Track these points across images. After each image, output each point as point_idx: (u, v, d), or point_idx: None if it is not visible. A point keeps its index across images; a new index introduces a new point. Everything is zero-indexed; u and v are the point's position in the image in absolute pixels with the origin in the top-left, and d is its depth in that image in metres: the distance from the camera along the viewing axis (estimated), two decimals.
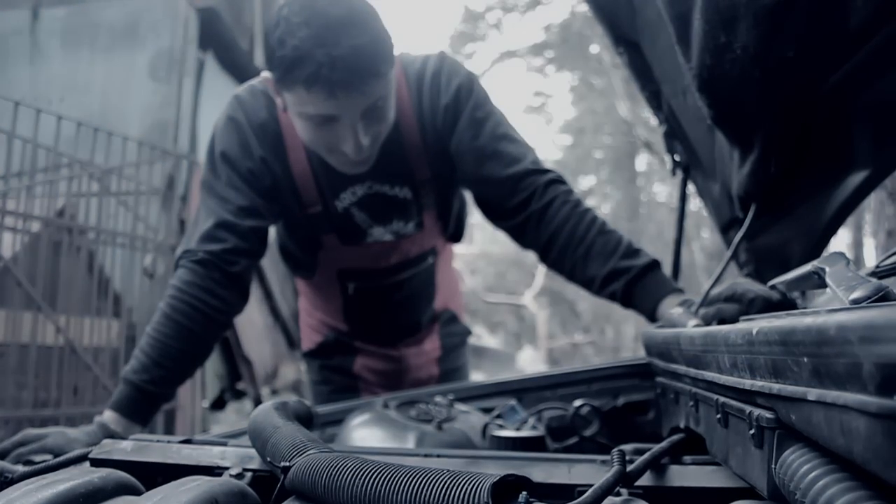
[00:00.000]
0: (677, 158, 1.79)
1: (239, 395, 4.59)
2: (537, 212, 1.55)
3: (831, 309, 0.49)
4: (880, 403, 0.36)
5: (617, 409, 1.51)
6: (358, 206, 1.64)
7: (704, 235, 15.29)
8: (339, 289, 1.84)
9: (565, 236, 1.52)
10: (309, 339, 2.04)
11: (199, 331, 1.41)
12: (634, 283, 1.45)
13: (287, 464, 0.63)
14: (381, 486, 0.53)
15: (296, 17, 1.28)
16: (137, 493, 0.74)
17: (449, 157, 1.62)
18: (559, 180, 1.59)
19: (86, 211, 3.94)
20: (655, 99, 1.73)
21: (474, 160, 1.59)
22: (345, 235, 1.70)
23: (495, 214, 1.67)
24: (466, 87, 1.60)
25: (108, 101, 4.80)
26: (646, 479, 0.75)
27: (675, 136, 1.74)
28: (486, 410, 1.38)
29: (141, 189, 4.25)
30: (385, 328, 1.93)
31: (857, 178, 1.44)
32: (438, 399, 1.36)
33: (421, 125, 1.59)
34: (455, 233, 1.91)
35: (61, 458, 0.89)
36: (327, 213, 1.64)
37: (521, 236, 1.65)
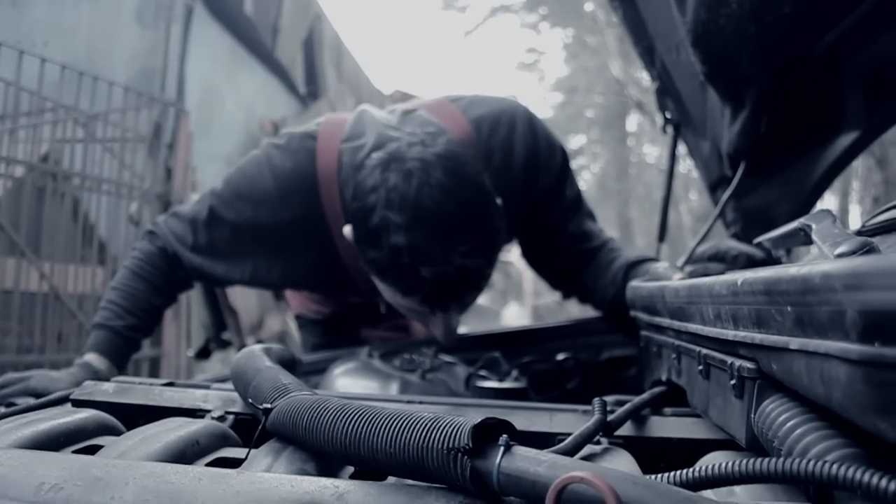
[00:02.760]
0: (668, 116, 1.78)
1: (224, 344, 4.60)
2: (594, 275, 1.52)
3: (817, 260, 0.49)
4: (862, 350, 0.36)
5: (600, 363, 1.53)
6: None
7: (692, 197, 15.31)
8: (368, 306, 1.80)
9: (603, 276, 1.51)
10: (307, 308, 2.00)
11: (164, 288, 1.46)
12: (632, 266, 1.42)
13: (269, 405, 0.63)
14: (363, 428, 0.53)
15: (395, 214, 1.12)
16: (119, 433, 0.74)
17: (516, 224, 1.53)
18: (612, 240, 1.57)
19: (70, 157, 3.88)
20: (648, 55, 1.71)
21: (560, 238, 1.53)
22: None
23: (551, 274, 1.65)
24: (565, 164, 1.51)
25: (93, 45, 4.70)
26: (626, 430, 0.76)
27: (666, 92, 1.73)
28: (470, 362, 1.38)
29: (127, 136, 4.19)
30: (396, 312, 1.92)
31: (846, 140, 1.44)
32: (423, 350, 1.36)
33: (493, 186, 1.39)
34: None
35: (43, 400, 0.89)
36: None
37: (565, 287, 1.65)
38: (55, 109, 3.74)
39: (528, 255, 1.63)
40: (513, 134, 1.42)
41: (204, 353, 4.69)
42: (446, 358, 1.35)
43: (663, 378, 0.92)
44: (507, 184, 1.39)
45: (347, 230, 1.27)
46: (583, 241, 1.53)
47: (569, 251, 1.54)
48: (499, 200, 1.26)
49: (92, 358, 1.30)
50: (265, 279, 1.46)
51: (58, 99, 3.69)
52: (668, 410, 0.84)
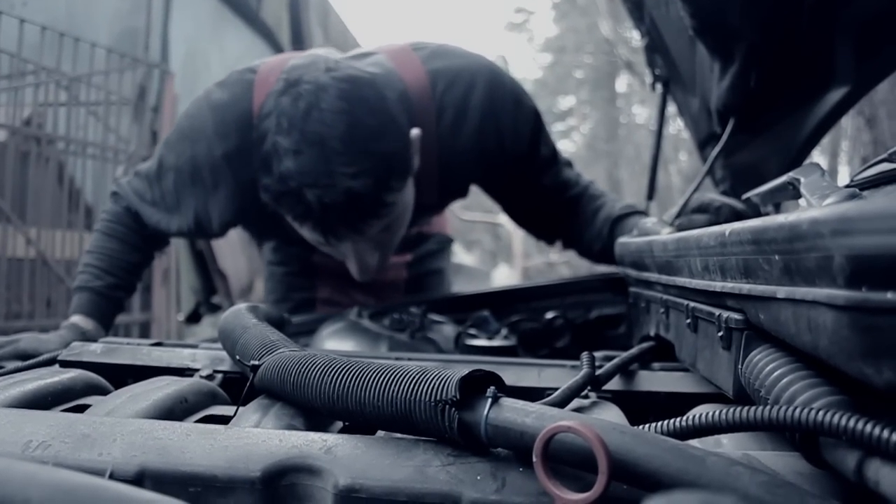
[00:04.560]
0: (657, 72, 1.77)
1: (214, 308, 4.58)
2: (580, 226, 1.51)
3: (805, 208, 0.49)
4: (848, 296, 0.36)
5: (589, 322, 1.53)
6: None
7: (682, 158, 15.29)
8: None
9: (589, 228, 1.50)
10: None
11: (139, 245, 1.45)
12: (618, 220, 1.41)
13: (256, 362, 0.63)
14: (351, 382, 0.53)
15: (284, 139, 1.10)
16: (107, 393, 0.74)
17: (467, 181, 1.52)
18: (592, 184, 1.56)
19: (54, 120, 3.83)
20: (637, 10, 1.69)
21: (538, 193, 1.51)
22: None
23: (534, 226, 1.64)
24: (536, 125, 1.46)
25: (73, 6, 4.58)
26: (614, 384, 0.77)
27: (655, 49, 1.71)
28: (460, 321, 1.38)
29: (111, 99, 4.13)
30: None
31: (836, 95, 1.43)
32: (412, 309, 1.36)
33: (442, 156, 1.39)
34: None
35: (31, 361, 0.89)
36: None
37: (548, 236, 1.64)
38: (36, 72, 3.68)
39: (509, 210, 1.62)
40: (469, 94, 1.37)
41: (194, 318, 4.66)
42: (435, 317, 1.35)
43: (652, 333, 0.93)
44: (458, 142, 1.37)
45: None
46: (562, 191, 1.52)
47: (549, 203, 1.53)
48: (416, 131, 1.23)
49: (78, 319, 1.30)
50: (206, 225, 1.42)
51: (38, 61, 3.63)
52: (656, 365, 0.85)
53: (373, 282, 1.79)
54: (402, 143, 1.18)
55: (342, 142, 1.09)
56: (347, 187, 1.09)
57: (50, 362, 0.87)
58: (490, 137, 1.39)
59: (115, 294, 1.38)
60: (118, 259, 1.40)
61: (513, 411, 0.46)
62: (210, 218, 1.40)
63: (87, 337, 1.20)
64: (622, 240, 1.08)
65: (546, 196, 1.51)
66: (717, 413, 0.46)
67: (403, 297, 1.85)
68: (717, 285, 0.57)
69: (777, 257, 0.44)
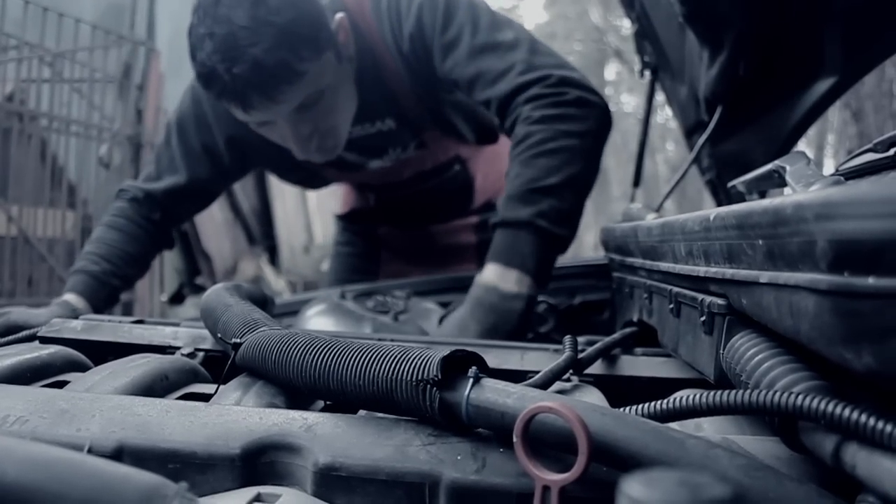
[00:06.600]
0: (646, 59, 1.76)
1: (198, 289, 4.57)
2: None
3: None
4: (831, 280, 0.36)
5: (573, 307, 1.53)
6: (345, 149, 1.53)
7: (669, 147, 15.34)
8: (362, 194, 1.88)
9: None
10: (343, 202, 2.05)
11: (140, 237, 1.50)
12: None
13: (238, 340, 0.63)
14: (332, 361, 0.53)
15: (201, 27, 1.21)
16: (87, 370, 0.73)
17: (435, 80, 1.50)
18: (543, 94, 1.40)
19: (37, 97, 3.78)
20: None
21: (465, 88, 1.45)
22: (343, 168, 1.67)
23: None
24: (429, 7, 1.42)
25: None
26: (597, 368, 0.77)
27: (645, 35, 1.71)
28: (444, 305, 1.38)
29: (96, 76, 4.09)
30: (413, 219, 1.92)
31: (823, 85, 1.44)
32: (396, 292, 1.36)
33: (396, 51, 1.45)
34: (482, 136, 1.79)
35: (10, 337, 0.88)
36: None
37: None
38: (19, 47, 3.63)
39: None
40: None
41: (177, 299, 4.67)
42: (419, 300, 1.35)
43: (635, 318, 0.93)
44: (403, 43, 1.43)
45: None
46: (489, 80, 1.43)
47: (487, 97, 1.45)
48: (340, 15, 1.34)
49: (70, 297, 1.32)
50: (214, 149, 1.52)
51: (21, 36, 3.58)
52: (638, 350, 0.85)
53: (442, 247, 1.88)
54: (310, 17, 1.26)
55: (247, 19, 1.18)
56: (252, 56, 1.18)
57: (30, 338, 0.87)
58: (429, 37, 1.41)
59: (110, 280, 1.40)
60: (116, 248, 1.44)
61: (494, 392, 0.46)
62: (216, 141, 1.51)
63: (77, 315, 1.21)
64: (607, 226, 1.08)
65: (480, 88, 1.45)
66: (697, 396, 0.46)
67: (475, 263, 1.82)
68: (701, 270, 0.57)
69: (761, 242, 0.44)
